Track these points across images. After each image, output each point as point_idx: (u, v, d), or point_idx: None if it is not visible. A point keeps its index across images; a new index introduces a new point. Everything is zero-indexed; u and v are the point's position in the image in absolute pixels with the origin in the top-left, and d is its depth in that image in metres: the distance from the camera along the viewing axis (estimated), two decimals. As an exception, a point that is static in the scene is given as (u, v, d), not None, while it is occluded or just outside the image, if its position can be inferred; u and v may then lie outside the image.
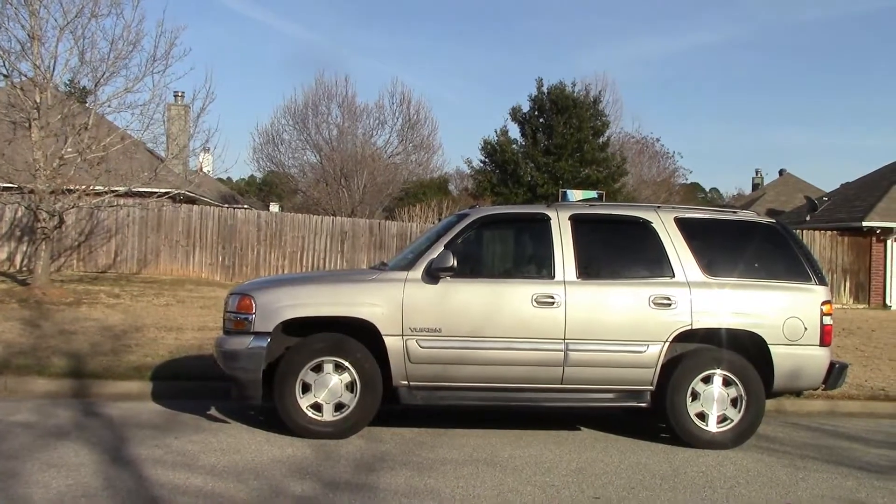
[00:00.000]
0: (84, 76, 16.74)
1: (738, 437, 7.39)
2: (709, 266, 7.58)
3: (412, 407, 7.44)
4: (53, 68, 15.89)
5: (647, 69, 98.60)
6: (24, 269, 20.45)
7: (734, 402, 7.41)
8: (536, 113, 36.31)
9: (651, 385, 7.39)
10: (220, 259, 23.04)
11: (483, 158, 37.43)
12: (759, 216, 8.39)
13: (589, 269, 7.47)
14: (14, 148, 16.10)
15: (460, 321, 7.23)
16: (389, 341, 7.12)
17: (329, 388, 7.12)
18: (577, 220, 7.65)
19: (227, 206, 28.30)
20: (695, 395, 7.37)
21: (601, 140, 36.34)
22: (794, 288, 7.65)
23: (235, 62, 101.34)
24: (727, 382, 7.42)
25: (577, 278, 7.38)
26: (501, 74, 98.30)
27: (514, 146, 36.33)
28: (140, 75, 16.38)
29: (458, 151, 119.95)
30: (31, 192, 15.59)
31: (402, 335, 7.13)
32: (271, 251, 23.41)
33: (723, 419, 7.40)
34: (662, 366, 7.36)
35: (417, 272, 7.27)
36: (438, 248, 7.32)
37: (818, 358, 7.58)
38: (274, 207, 43.05)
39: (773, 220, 8.32)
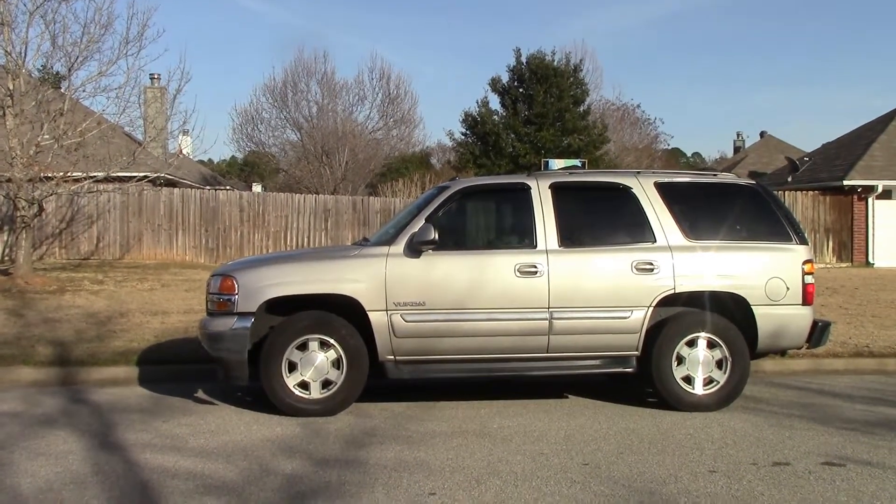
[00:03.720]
0: (57, 61, 16.54)
1: (724, 398, 7.45)
2: (690, 230, 7.60)
3: (399, 381, 7.43)
4: (25, 54, 15.67)
5: (626, 36, 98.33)
6: (6, 258, 20.29)
7: (719, 364, 7.46)
8: (516, 83, 36.20)
9: (636, 350, 7.43)
10: (204, 241, 22.95)
11: (464, 131, 37.36)
12: (738, 178, 8.40)
13: (571, 237, 7.48)
14: (-11, 137, 15.90)
15: (444, 294, 7.23)
16: (374, 317, 7.11)
17: (315, 365, 7.11)
18: (557, 189, 7.65)
19: (208, 187, 28.15)
20: (680, 359, 7.41)
21: (582, 109, 36.30)
22: (775, 248, 7.68)
23: (211, 43, 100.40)
24: (711, 345, 7.46)
25: (559, 247, 7.39)
26: (481, 46, 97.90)
27: (495, 117, 36.23)
28: (114, 58, 16.21)
29: (439, 125, 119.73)
30: (9, 180, 15.43)
31: (387, 310, 7.12)
32: (255, 232, 23.34)
33: (708, 381, 7.45)
34: (647, 331, 7.39)
35: (399, 246, 7.26)
36: (419, 222, 7.30)
37: (801, 317, 7.64)
38: (256, 188, 42.85)
39: (753, 182, 8.33)
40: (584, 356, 7.46)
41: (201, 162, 43.43)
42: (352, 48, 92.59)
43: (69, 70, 16.21)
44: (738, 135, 61.30)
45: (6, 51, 15.38)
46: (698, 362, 7.44)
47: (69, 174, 16.17)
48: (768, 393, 8.28)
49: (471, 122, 36.67)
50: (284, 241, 23.44)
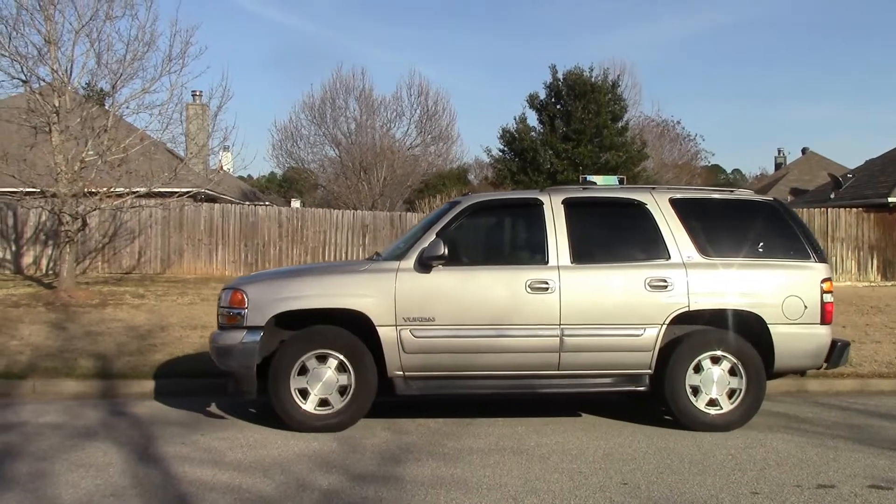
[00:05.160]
0: (102, 78, 16.82)
1: (739, 418, 7.31)
2: (705, 246, 7.49)
3: (407, 398, 7.39)
4: (71, 72, 15.97)
5: (666, 51, 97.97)
6: (50, 272, 20.65)
7: (734, 384, 7.33)
8: (554, 99, 36.13)
9: (649, 368, 7.32)
10: (243, 256, 23.13)
11: (502, 147, 37.32)
12: (756, 195, 8.26)
13: (583, 253, 7.39)
14: (35, 152, 16.20)
15: (454, 309, 7.18)
16: (383, 332, 7.08)
17: (323, 380, 7.10)
18: (570, 205, 7.57)
19: (248, 203, 28.40)
20: (694, 378, 7.29)
21: (620, 124, 36.08)
22: (793, 266, 7.54)
23: (252, 60, 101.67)
24: (727, 364, 7.34)
25: (572, 263, 7.31)
26: (518, 62, 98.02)
27: (532, 133, 36.16)
28: (157, 76, 16.43)
29: (476, 141, 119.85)
30: (54, 195, 15.69)
31: (396, 325, 7.09)
32: (293, 247, 23.48)
33: (724, 401, 7.32)
34: (660, 349, 7.29)
35: (409, 261, 7.23)
36: (430, 237, 7.26)
37: (819, 336, 7.47)
38: (295, 203, 43.18)
39: (771, 199, 8.18)
40: (595, 374, 7.36)
41: (241, 178, 43.92)
42: (390, 65, 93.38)
43: (113, 87, 16.49)
44: (779, 151, 60.72)
45: (53, 69, 15.69)
46: (713, 381, 7.32)
47: (112, 189, 16.41)
48: (812, 413, 8.12)
49: (508, 138, 36.64)
50: (323, 257, 23.55)
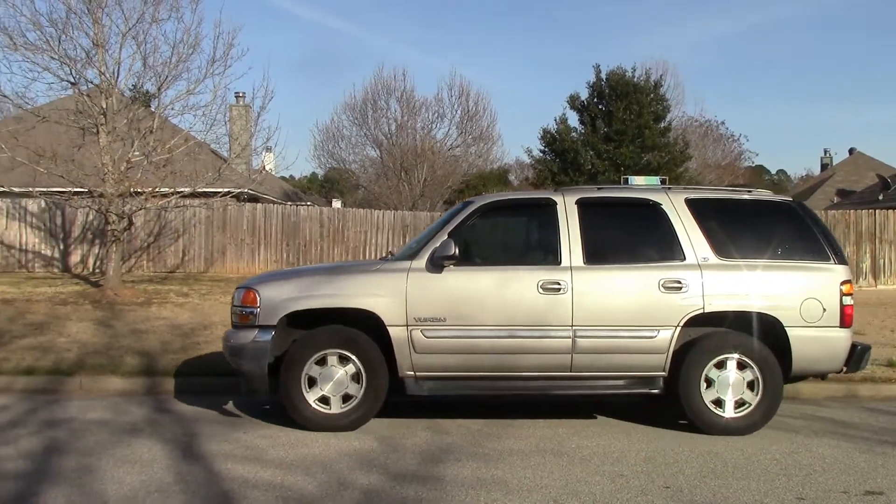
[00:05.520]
0: (147, 80, 17.11)
1: (755, 422, 7.20)
2: (721, 247, 7.38)
3: (418, 398, 7.37)
4: (118, 74, 16.26)
5: (709, 51, 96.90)
6: (97, 270, 21.01)
7: (750, 387, 7.22)
8: (595, 100, 35.94)
9: (664, 371, 7.23)
10: (285, 256, 23.32)
11: (543, 147, 37.24)
12: (774, 195, 8.12)
13: (596, 253, 7.32)
14: (83, 153, 16.50)
15: (465, 310, 7.14)
16: (394, 332, 7.07)
17: (334, 380, 7.11)
18: (584, 205, 7.51)
19: (289, 203, 28.62)
20: (709, 381, 7.20)
21: (662, 125, 35.81)
22: (811, 268, 7.41)
23: (294, 61, 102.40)
24: (742, 367, 7.23)
25: (584, 263, 7.25)
26: (560, 62, 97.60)
27: (573, 134, 36.03)
28: (201, 77, 16.68)
29: (517, 141, 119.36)
30: (101, 195, 15.97)
31: (407, 325, 7.07)
32: (334, 246, 23.62)
33: (739, 404, 7.21)
34: (675, 351, 7.20)
35: (421, 261, 7.21)
36: (442, 237, 7.23)
37: (838, 340, 7.33)
38: (336, 203, 43.45)
39: (790, 199, 8.03)
40: (608, 376, 7.28)
41: (283, 178, 44.28)
42: (431, 66, 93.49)
43: (159, 89, 16.76)
44: (825, 152, 59.77)
45: (100, 71, 15.98)
46: (728, 384, 7.21)
47: (157, 189, 16.67)
48: (859, 418, 7.97)
49: (549, 138, 36.53)
50: (363, 256, 23.66)
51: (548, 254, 7.49)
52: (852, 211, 24.73)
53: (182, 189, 16.99)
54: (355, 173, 42.02)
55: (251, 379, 7.15)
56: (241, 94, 30.12)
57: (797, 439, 7.02)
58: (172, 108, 17.05)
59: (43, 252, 22.23)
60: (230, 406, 8.11)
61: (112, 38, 16.15)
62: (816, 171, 62.45)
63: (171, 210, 19.29)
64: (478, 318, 7.13)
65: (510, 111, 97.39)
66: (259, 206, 23.69)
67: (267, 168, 27.44)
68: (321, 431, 6.99)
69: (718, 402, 7.20)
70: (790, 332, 7.23)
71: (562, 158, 35.72)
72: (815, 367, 7.49)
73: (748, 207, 7.81)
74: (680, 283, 7.21)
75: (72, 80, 15.96)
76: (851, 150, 53.42)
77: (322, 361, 7.12)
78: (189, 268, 22.45)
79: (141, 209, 17.04)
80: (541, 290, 7.15)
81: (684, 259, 7.32)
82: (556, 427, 7.37)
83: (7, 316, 12.83)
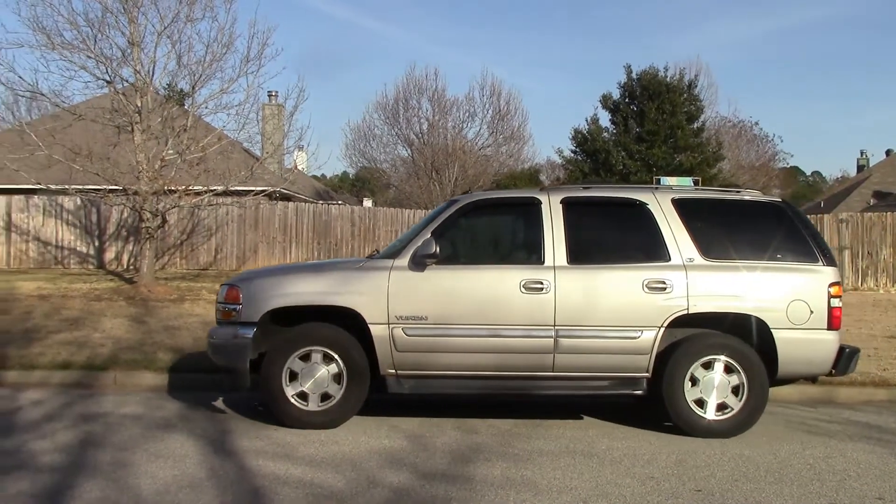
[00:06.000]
0: (182, 79, 17.30)
1: (739, 425, 7.12)
2: (708, 248, 7.30)
3: (399, 396, 7.35)
4: (153, 73, 16.46)
5: (743, 51, 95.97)
6: (131, 267, 21.27)
7: (735, 389, 7.14)
8: (627, 100, 35.72)
9: (647, 372, 7.18)
10: (316, 254, 23.45)
11: (574, 148, 37.07)
12: (763, 195, 8.01)
13: (581, 253, 7.27)
14: (118, 151, 16.72)
15: (447, 309, 7.12)
16: (375, 330, 7.06)
17: (315, 377, 7.10)
18: (569, 204, 7.46)
19: (321, 202, 28.78)
20: (693, 382, 7.13)
21: (695, 125, 35.50)
22: (799, 269, 7.31)
23: (326, 61, 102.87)
24: (727, 369, 7.15)
25: (568, 263, 7.20)
26: (591, 62, 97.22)
27: (605, 134, 35.83)
28: (234, 76, 16.85)
29: (548, 141, 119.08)
30: (136, 193, 16.16)
31: (388, 323, 7.06)
32: (365, 245, 23.71)
33: (723, 407, 7.14)
34: (658, 352, 7.14)
35: (404, 260, 7.20)
36: (425, 235, 7.22)
37: (826, 343, 7.23)
38: (367, 202, 43.60)
39: (778, 199, 7.92)
40: (591, 376, 7.23)
41: (315, 177, 44.54)
42: (462, 66, 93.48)
43: (193, 88, 16.93)
44: (861, 153, 59.06)
45: (136, 70, 16.17)
46: (712, 387, 7.13)
47: (191, 187, 16.82)
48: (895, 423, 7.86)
49: (580, 139, 36.37)
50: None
51: (531, 253, 7.45)
52: (889, 213, 24.35)
53: (215, 187, 17.15)
54: (386, 172, 42.11)
55: (233, 375, 7.18)
56: (273, 94, 30.34)
57: (831, 444, 6.93)
58: (206, 107, 17.25)
59: (78, 249, 22.55)
60: (219, 403, 8.12)
61: (147, 37, 16.38)
62: (852, 172, 61.63)
63: (204, 208, 19.47)
64: (459, 317, 7.12)
65: (541, 111, 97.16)
66: (291, 204, 23.84)
67: (299, 167, 27.57)
68: (300, 429, 6.99)
69: (701, 404, 7.14)
70: (776, 333, 7.15)
71: (593, 159, 35.54)
72: (803, 369, 7.42)
73: (736, 207, 7.73)
74: (664, 283, 7.15)
75: (107, 78, 16.18)
76: (888, 152, 52.64)
77: (304, 358, 7.12)
78: (221, 265, 22.65)
79: (174, 207, 17.23)
80: (523, 290, 7.11)
81: (669, 259, 7.26)
82: (586, 428, 7.34)
83: (43, 311, 13.03)
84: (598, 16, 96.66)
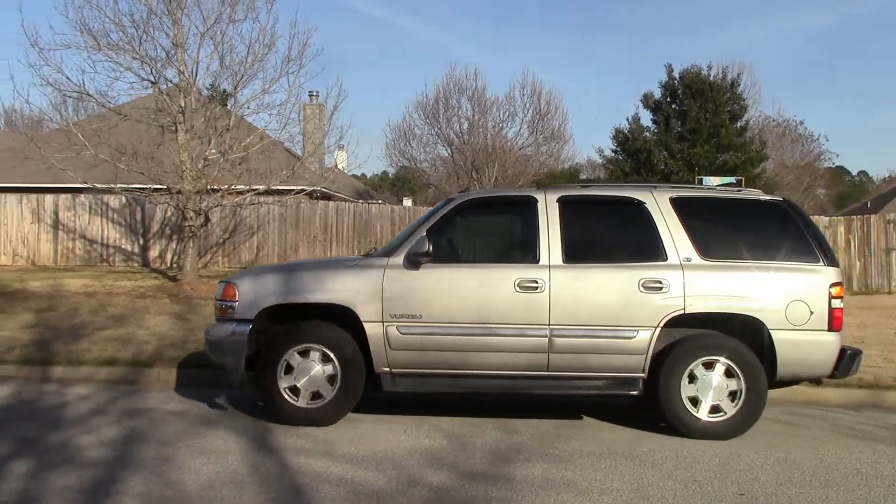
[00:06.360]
0: (224, 80, 17.47)
1: (736, 426, 7.04)
2: (706, 247, 7.21)
3: (394, 394, 7.34)
4: (196, 73, 16.64)
5: (787, 50, 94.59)
6: (174, 265, 21.54)
7: (731, 391, 7.05)
8: (669, 99, 35.40)
9: (643, 372, 7.11)
10: (356, 253, 23.52)
11: (615, 147, 36.84)
12: (763, 194, 7.87)
13: (576, 252, 7.21)
14: (162, 151, 16.93)
15: (441, 307, 7.10)
16: (369, 328, 7.07)
17: (310, 374, 7.13)
18: (565, 203, 7.41)
19: (361, 201, 28.90)
20: (690, 384, 7.05)
21: (739, 124, 35.06)
22: (799, 269, 7.19)
23: (365, 60, 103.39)
24: (725, 370, 7.06)
25: (563, 262, 7.15)
26: (632, 61, 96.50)
27: (646, 134, 35.55)
28: (276, 77, 16.99)
29: (589, 141, 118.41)
30: (179, 192, 16.35)
31: (383, 321, 7.07)
32: (405, 245, 23.70)
33: (719, 408, 7.05)
34: (654, 352, 7.06)
35: (398, 258, 7.20)
36: (420, 234, 7.20)
37: (826, 344, 7.10)
38: (407, 202, 43.71)
39: (779, 198, 7.78)
40: (586, 376, 7.17)
41: (355, 176, 44.73)
42: (502, 65, 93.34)
43: (235, 88, 17.09)
44: (910, 152, 57.75)
45: (179, 70, 16.36)
46: (709, 387, 7.05)
47: (233, 187, 16.98)
48: (945, 429, 7.69)
49: (621, 138, 36.13)
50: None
51: (526, 252, 7.40)
52: (938, 214, 23.84)
53: (257, 186, 17.29)
54: (426, 172, 42.14)
55: (228, 371, 7.26)
56: (314, 94, 30.56)
57: (879, 448, 6.81)
58: (248, 107, 17.40)
59: (123, 247, 22.89)
60: (222, 400, 8.15)
61: (191, 38, 16.56)
62: (900, 172, 60.43)
63: (246, 207, 19.65)
64: (453, 316, 7.10)
65: (582, 110, 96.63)
66: (331, 203, 23.97)
67: (339, 166, 27.74)
68: (295, 425, 7.03)
69: (697, 405, 7.07)
70: (774, 334, 7.05)
71: (634, 158, 35.28)
72: (802, 371, 7.31)
73: (736, 206, 7.62)
74: (660, 283, 7.08)
75: (152, 79, 16.39)
76: (938, 151, 51.57)
77: (300, 355, 7.15)
78: (263, 263, 22.82)
79: (217, 206, 17.41)
80: (518, 289, 7.08)
81: (666, 259, 7.18)
82: (626, 430, 7.29)
83: (89, 308, 13.25)
84: (638, 14, 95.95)
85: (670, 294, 7.06)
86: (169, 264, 22.22)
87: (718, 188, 8.56)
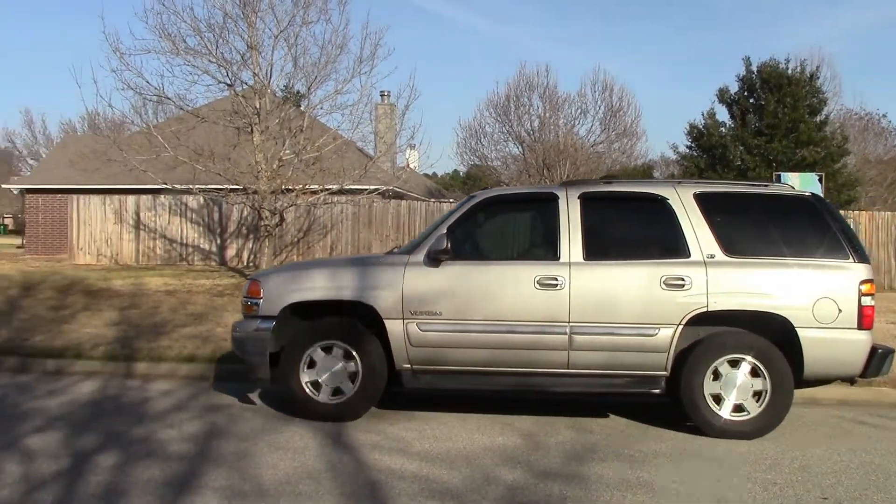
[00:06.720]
0: (298, 81, 17.75)
1: (761, 426, 6.88)
2: (730, 244, 7.05)
3: (414, 391, 7.36)
4: (270, 75, 16.93)
5: (870, 41, 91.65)
6: (251, 264, 21.96)
7: (757, 390, 6.88)
8: (746, 93, 34.66)
9: (665, 370, 6.97)
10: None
11: (689, 143, 36.25)
12: (792, 189, 7.65)
13: (597, 249, 7.12)
14: (238, 152, 17.28)
15: (460, 304, 7.08)
16: (390, 325, 7.10)
17: (332, 370, 7.23)
18: (586, 199, 7.33)
19: (432, 200, 29.02)
20: (713, 382, 6.91)
21: (818, 119, 34.11)
22: (827, 266, 6.97)
23: (438, 60, 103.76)
24: (750, 369, 6.89)
25: (584, 259, 7.07)
26: (706, 55, 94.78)
27: (722, 129, 34.88)
28: (348, 77, 17.15)
29: (662, 137, 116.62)
30: (255, 192, 16.67)
31: (403, 318, 7.09)
32: (476, 243, 23.71)
33: (743, 407, 6.90)
34: (677, 350, 6.93)
35: (419, 255, 7.22)
36: (441, 231, 7.20)
37: (855, 343, 6.86)
38: (477, 200, 43.58)
39: (808, 193, 7.52)
40: (607, 374, 7.07)
41: (426, 175, 44.93)
42: (573, 62, 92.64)
43: (308, 89, 17.35)
44: None
45: (254, 73, 16.67)
46: (733, 386, 6.91)
47: (307, 186, 17.23)
48: None
49: (696, 134, 35.52)
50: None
51: (547, 249, 7.35)
52: None
53: (330, 186, 17.51)
54: (497, 170, 42.05)
55: (253, 367, 7.39)
56: (386, 93, 30.79)
57: (970, 453, 6.56)
58: (321, 108, 17.63)
59: (201, 246, 23.43)
60: (255, 396, 8.23)
61: (265, 40, 16.85)
62: None
63: (319, 206, 19.92)
64: (473, 313, 7.09)
65: (655, 106, 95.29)
66: (403, 202, 24.12)
67: (411, 165, 27.93)
68: (316, 421, 7.11)
69: (720, 404, 6.94)
70: (801, 332, 6.85)
71: (709, 154, 34.65)
72: (830, 370, 7.09)
73: (762, 202, 7.46)
74: (682, 280, 6.95)
75: (228, 81, 16.74)
76: None
77: (323, 351, 7.26)
78: (335, 263, 23.09)
79: (291, 205, 17.69)
80: (537, 286, 7.03)
81: (689, 255, 7.05)
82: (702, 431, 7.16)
83: (170, 306, 13.60)
84: (712, 7, 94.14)
85: (693, 291, 6.95)
86: (245, 263, 22.66)
87: (745, 183, 8.39)
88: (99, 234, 23.73)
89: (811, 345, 6.88)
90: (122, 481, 5.39)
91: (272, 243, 17.76)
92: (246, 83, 16.95)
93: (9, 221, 75.34)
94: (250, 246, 22.91)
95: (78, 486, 5.30)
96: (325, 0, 16.88)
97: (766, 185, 7.89)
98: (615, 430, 7.12)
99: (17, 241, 48.39)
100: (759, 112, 33.73)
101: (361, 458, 6.07)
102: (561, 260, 7.14)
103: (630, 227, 7.56)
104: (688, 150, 36.48)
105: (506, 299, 7.13)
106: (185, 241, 23.53)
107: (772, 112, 32.91)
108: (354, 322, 7.32)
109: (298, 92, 19.13)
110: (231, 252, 23.31)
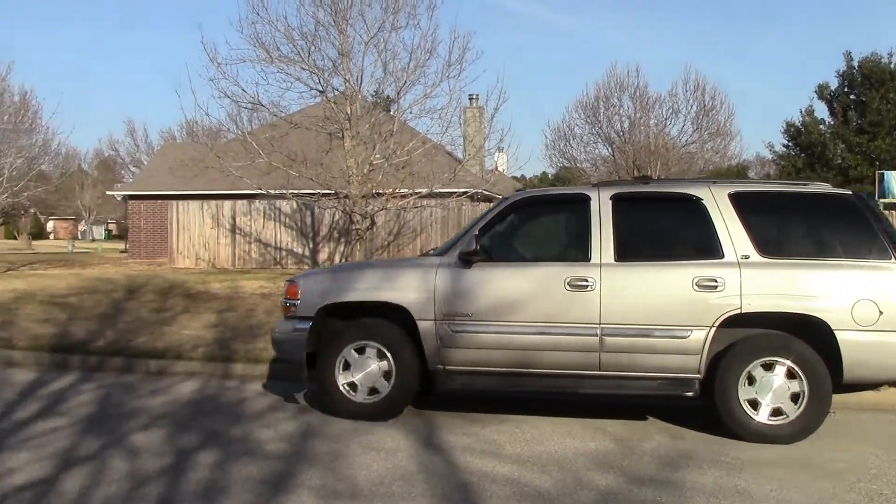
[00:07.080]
0: (388, 86, 17.96)
1: (798, 431, 6.65)
2: (765, 244, 6.83)
3: (448, 392, 7.36)
4: (361, 81, 17.17)
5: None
6: (342, 267, 22.25)
7: (794, 393, 6.61)
8: (846, 89, 33.52)
9: (698, 373, 6.78)
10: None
11: (786, 142, 35.28)
12: (831, 188, 7.30)
13: (629, 250, 7.00)
14: (330, 157, 17.57)
15: (491, 306, 7.05)
16: (423, 326, 7.14)
17: (367, 370, 7.32)
18: (619, 200, 7.20)
19: (521, 202, 28.91)
20: (749, 385, 6.71)
21: (925, 115, 32.72)
22: (868, 266, 6.68)
23: (526, 62, 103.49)
24: (786, 371, 6.64)
25: (616, 261, 6.94)
26: (802, 52, 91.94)
27: (821, 127, 33.82)
28: (437, 81, 17.26)
29: (757, 136, 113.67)
30: (346, 196, 16.93)
31: (435, 320, 7.10)
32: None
33: (781, 411, 6.65)
34: (710, 353, 6.73)
35: (451, 257, 7.24)
36: (473, 233, 7.22)
37: None
38: (566, 203, 43.28)
39: (848, 192, 7.18)
40: (639, 377, 6.91)
41: (514, 178, 44.84)
42: (664, 61, 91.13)
43: (398, 94, 17.54)
44: None
45: (345, 79, 16.94)
46: (769, 389, 6.70)
47: (397, 190, 17.41)
48: None
49: (793, 132, 34.57)
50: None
51: (578, 250, 7.25)
52: None
53: (420, 190, 17.65)
54: (586, 172, 41.64)
55: (297, 367, 7.57)
56: (474, 97, 30.81)
57: None
58: (410, 112, 17.79)
59: (294, 249, 23.94)
60: (300, 397, 8.22)
61: (356, 47, 17.10)
62: None
63: (409, 210, 20.08)
64: (503, 314, 7.06)
65: (749, 104, 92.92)
66: (492, 205, 24.14)
67: (499, 168, 27.90)
68: (350, 419, 7.21)
69: (756, 407, 6.73)
70: (839, 335, 6.58)
71: (807, 153, 33.68)
72: (871, 374, 6.85)
73: (799, 201, 7.23)
74: (715, 281, 6.76)
75: (320, 88, 17.05)
76: None
77: (358, 352, 7.35)
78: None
79: (382, 209, 17.88)
80: (568, 287, 6.95)
81: (722, 256, 6.86)
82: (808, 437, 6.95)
83: (265, 309, 13.90)
84: (807, 1, 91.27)
85: (726, 293, 6.78)
86: (337, 267, 23.02)
87: (782, 182, 8.13)
88: (197, 238, 24.49)
89: (850, 347, 6.66)
90: (221, 479, 5.55)
91: (363, 247, 17.99)
92: (337, 89, 17.24)
93: (112, 227, 78.48)
94: (342, 249, 23.27)
95: (180, 482, 5.48)
96: (413, 6, 17.05)
97: (804, 184, 7.68)
98: (710, 438, 6.96)
99: (121, 245, 50.36)
100: (861, 109, 32.61)
101: (453, 460, 6.10)
102: (592, 261, 7.09)
103: (663, 227, 7.47)
104: (784, 150, 35.54)
105: (536, 301, 7.13)
106: (278, 245, 24.06)
107: (874, 109, 31.75)
108: (389, 323, 7.43)
109: (388, 97, 19.36)
110: (323, 255, 23.72)
